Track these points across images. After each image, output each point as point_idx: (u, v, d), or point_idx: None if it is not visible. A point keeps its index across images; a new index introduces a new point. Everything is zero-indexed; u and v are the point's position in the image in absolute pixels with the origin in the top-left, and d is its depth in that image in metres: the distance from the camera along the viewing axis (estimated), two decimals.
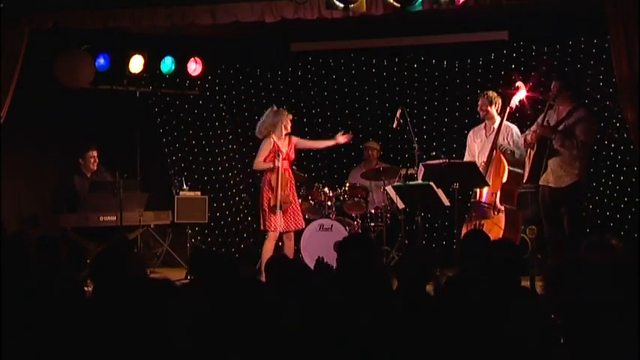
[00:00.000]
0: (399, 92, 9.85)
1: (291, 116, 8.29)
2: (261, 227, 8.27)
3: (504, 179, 7.64)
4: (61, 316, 3.28)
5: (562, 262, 3.54)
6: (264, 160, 8.14)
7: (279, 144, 8.14)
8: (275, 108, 8.32)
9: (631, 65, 7.10)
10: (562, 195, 7.15)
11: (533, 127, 7.43)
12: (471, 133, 8.17)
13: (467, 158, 8.09)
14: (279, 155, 8.04)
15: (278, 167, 8.02)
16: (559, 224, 7.20)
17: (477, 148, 8.08)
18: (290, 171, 8.25)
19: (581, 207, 7.52)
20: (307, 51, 10.09)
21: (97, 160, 8.93)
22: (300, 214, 8.36)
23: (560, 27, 9.04)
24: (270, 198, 8.08)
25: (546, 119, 7.33)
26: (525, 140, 7.42)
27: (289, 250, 8.20)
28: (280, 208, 8.06)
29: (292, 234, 8.31)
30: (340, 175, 9.59)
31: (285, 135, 8.23)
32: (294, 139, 8.34)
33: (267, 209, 8.11)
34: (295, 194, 8.34)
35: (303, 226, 8.41)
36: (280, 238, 8.31)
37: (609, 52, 7.54)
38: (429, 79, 9.84)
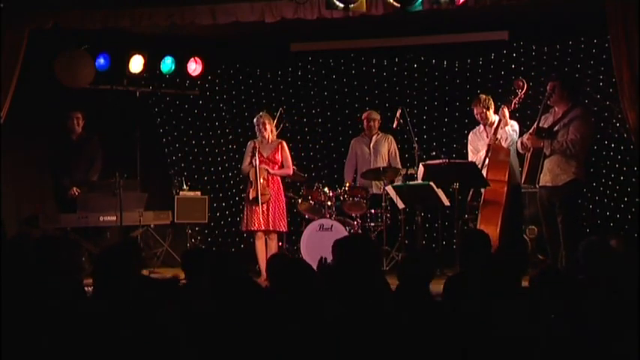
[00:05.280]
0: (399, 92, 9.85)
1: (267, 119, 8.36)
2: (242, 227, 8.44)
3: (487, 176, 7.60)
4: (61, 316, 3.28)
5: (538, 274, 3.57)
6: (249, 158, 8.34)
7: (260, 147, 8.30)
8: (260, 113, 8.50)
9: (631, 65, 7.09)
10: (559, 193, 7.13)
11: (531, 130, 7.41)
12: (471, 134, 8.12)
13: (471, 157, 8.02)
14: (255, 154, 8.19)
15: (255, 165, 8.16)
16: (557, 223, 7.18)
17: (480, 147, 8.05)
18: (271, 172, 8.31)
19: (578, 206, 7.46)
20: (307, 51, 10.08)
21: (83, 121, 8.90)
22: (284, 217, 8.40)
23: (560, 27, 9.04)
24: (249, 192, 8.23)
25: (541, 121, 7.30)
26: (522, 143, 7.39)
27: (271, 251, 8.22)
28: (260, 201, 8.13)
29: (275, 235, 8.36)
30: (340, 175, 9.59)
31: (271, 140, 8.37)
32: (284, 147, 8.42)
33: (246, 206, 8.30)
34: (281, 196, 8.39)
35: (283, 230, 8.44)
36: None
37: (609, 52, 7.53)
38: (429, 79, 9.83)
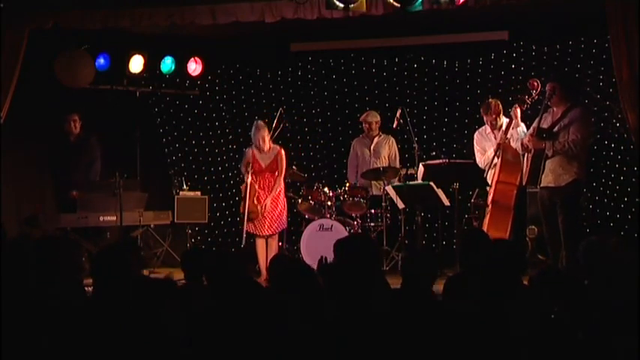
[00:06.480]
0: (399, 92, 9.85)
1: (265, 131, 8.34)
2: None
3: (498, 177, 7.59)
4: (61, 317, 3.28)
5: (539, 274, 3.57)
6: (244, 170, 8.35)
7: (259, 156, 8.30)
8: (257, 122, 8.49)
9: (631, 65, 7.09)
10: (561, 193, 7.12)
11: (530, 131, 7.40)
12: (477, 134, 8.09)
13: (479, 157, 7.99)
14: (248, 168, 8.19)
15: (247, 182, 8.19)
16: (557, 223, 7.17)
17: (487, 148, 8.02)
18: (267, 182, 8.34)
19: (579, 206, 7.44)
20: (307, 51, 10.09)
21: (80, 123, 8.93)
22: (284, 218, 8.43)
23: (560, 27, 9.04)
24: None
25: (540, 122, 7.28)
26: (523, 145, 7.37)
27: (271, 250, 8.29)
28: (249, 218, 8.23)
29: (276, 235, 8.41)
30: (340, 175, 9.59)
31: (270, 148, 8.36)
32: (282, 156, 8.40)
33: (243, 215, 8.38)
34: (282, 198, 8.41)
35: (280, 230, 8.47)
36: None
37: (609, 52, 7.53)
38: (429, 79, 9.83)
